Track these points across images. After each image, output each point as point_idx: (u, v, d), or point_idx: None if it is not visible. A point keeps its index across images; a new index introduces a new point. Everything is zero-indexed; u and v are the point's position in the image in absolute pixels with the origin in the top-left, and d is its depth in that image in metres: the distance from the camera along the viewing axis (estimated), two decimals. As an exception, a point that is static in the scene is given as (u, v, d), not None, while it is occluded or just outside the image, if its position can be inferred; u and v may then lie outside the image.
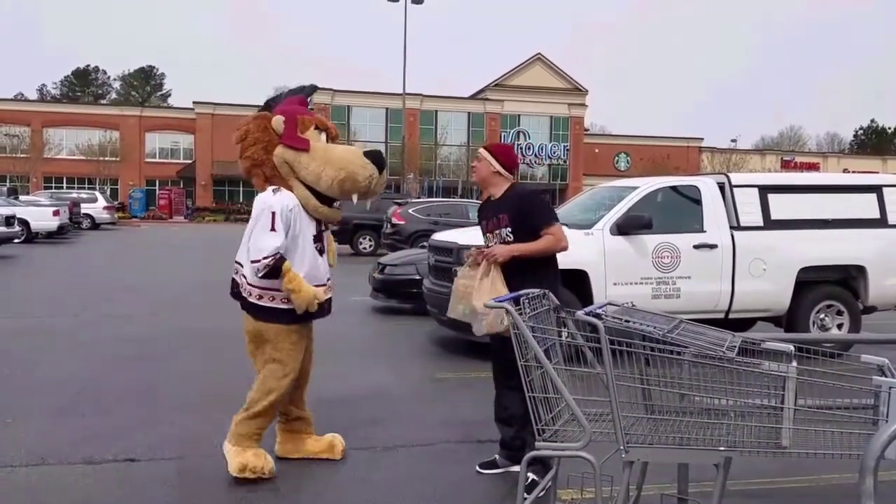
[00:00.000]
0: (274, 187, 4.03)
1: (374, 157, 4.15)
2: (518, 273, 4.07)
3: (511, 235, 4.21)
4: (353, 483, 4.14)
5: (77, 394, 5.82)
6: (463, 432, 5.06)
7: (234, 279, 4.20)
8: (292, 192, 4.05)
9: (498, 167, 4.31)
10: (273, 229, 3.88)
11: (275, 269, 3.88)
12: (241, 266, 4.12)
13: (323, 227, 4.25)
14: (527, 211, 4.23)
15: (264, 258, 3.85)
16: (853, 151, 79.32)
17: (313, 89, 4.55)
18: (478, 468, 4.35)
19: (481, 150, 4.43)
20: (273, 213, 3.90)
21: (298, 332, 4.15)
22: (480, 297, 3.98)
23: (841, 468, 3.59)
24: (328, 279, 4.26)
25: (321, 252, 4.18)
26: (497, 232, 4.27)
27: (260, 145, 4.10)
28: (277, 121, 4.10)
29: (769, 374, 2.77)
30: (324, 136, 4.19)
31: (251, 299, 4.06)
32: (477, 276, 4.13)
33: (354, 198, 4.18)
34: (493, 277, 4.07)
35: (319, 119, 4.24)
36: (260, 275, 3.91)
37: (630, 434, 2.88)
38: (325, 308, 4.21)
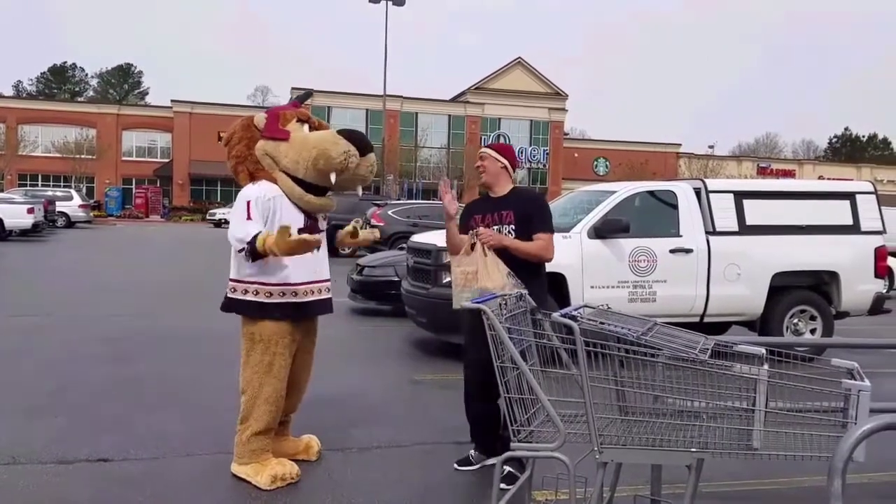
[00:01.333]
0: (256, 181, 4.04)
1: (349, 134, 4.05)
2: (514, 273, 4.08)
3: (513, 233, 4.26)
4: (327, 484, 4.13)
5: (50, 393, 5.75)
6: (439, 434, 5.06)
7: (227, 296, 4.12)
8: (276, 184, 4.03)
9: (505, 162, 4.40)
10: (249, 218, 3.87)
11: (252, 249, 3.77)
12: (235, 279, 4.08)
13: (316, 221, 4.15)
14: (532, 213, 4.30)
15: (246, 244, 3.80)
16: (828, 159, 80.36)
17: (307, 95, 4.55)
18: (456, 465, 4.40)
19: (484, 149, 4.47)
20: (248, 203, 3.90)
21: (292, 334, 4.09)
22: (490, 278, 3.96)
23: (811, 471, 3.64)
24: (325, 279, 4.22)
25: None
26: (497, 228, 4.29)
27: (243, 142, 4.12)
28: (259, 117, 4.15)
29: (740, 376, 2.81)
30: (306, 127, 4.17)
31: (243, 297, 4.01)
32: (476, 260, 4.07)
33: (332, 177, 3.99)
34: (494, 258, 4.07)
35: (301, 112, 4.24)
36: (251, 261, 3.86)
37: (604, 435, 2.91)
38: (325, 305, 4.22)
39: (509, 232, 4.26)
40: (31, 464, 4.25)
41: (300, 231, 3.97)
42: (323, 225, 4.24)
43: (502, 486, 4.06)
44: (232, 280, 4.07)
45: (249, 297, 4.01)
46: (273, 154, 4.05)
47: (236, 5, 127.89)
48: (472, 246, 4.16)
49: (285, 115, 4.14)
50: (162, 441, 4.71)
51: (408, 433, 5.09)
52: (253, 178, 4.09)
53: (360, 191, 4.42)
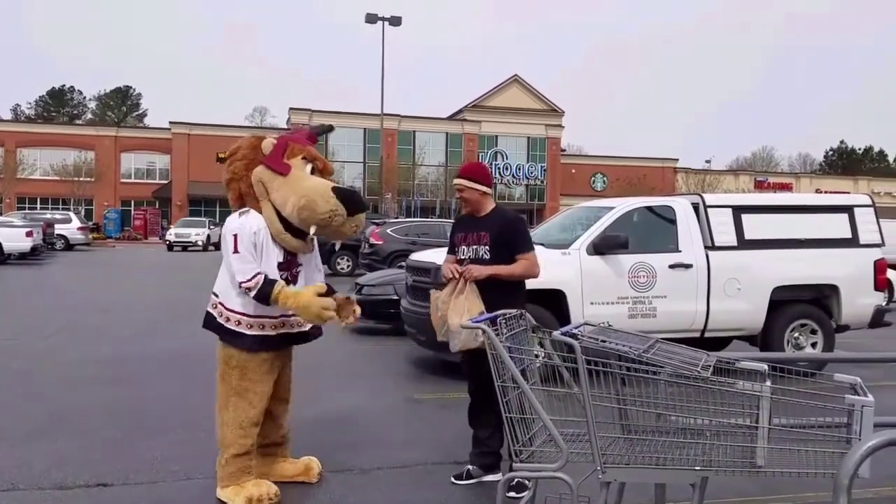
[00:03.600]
0: (242, 209, 4.02)
1: (343, 193, 3.94)
2: (491, 291, 4.21)
3: (488, 254, 4.36)
4: (329, 506, 4.09)
5: (48, 418, 5.72)
6: (441, 453, 5.03)
7: (207, 311, 4.10)
8: (261, 212, 4.01)
9: (483, 188, 4.48)
10: (236, 251, 3.87)
11: (263, 294, 3.83)
12: (217, 296, 4.06)
13: (295, 256, 4.10)
14: (509, 236, 4.41)
15: (247, 280, 3.84)
16: (824, 172, 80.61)
17: (326, 129, 4.57)
18: (453, 479, 4.45)
19: (461, 180, 4.50)
20: (235, 236, 3.89)
21: (270, 362, 4.07)
22: (456, 314, 4.03)
23: (817, 487, 3.60)
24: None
25: (289, 281, 4.01)
26: (474, 248, 4.43)
27: (244, 161, 4.10)
28: (267, 142, 4.09)
29: (743, 393, 2.79)
30: (310, 167, 4.09)
31: (222, 322, 4.00)
32: (452, 295, 4.18)
33: (312, 230, 3.94)
34: (469, 295, 4.14)
35: (310, 151, 4.13)
36: (252, 296, 3.86)
37: (607, 454, 2.89)
38: (310, 335, 4.23)
39: (484, 254, 4.38)
40: (31, 490, 4.21)
41: (279, 266, 3.99)
42: (302, 258, 4.17)
43: (511, 494, 4.10)
44: (226, 309, 4.00)
45: (243, 330, 3.98)
46: (267, 183, 4.01)
47: (234, 26, 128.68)
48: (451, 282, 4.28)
49: (293, 148, 4.06)
50: (161, 465, 4.67)
51: (409, 453, 5.06)
52: (241, 198, 4.09)
53: (337, 246, 4.43)
